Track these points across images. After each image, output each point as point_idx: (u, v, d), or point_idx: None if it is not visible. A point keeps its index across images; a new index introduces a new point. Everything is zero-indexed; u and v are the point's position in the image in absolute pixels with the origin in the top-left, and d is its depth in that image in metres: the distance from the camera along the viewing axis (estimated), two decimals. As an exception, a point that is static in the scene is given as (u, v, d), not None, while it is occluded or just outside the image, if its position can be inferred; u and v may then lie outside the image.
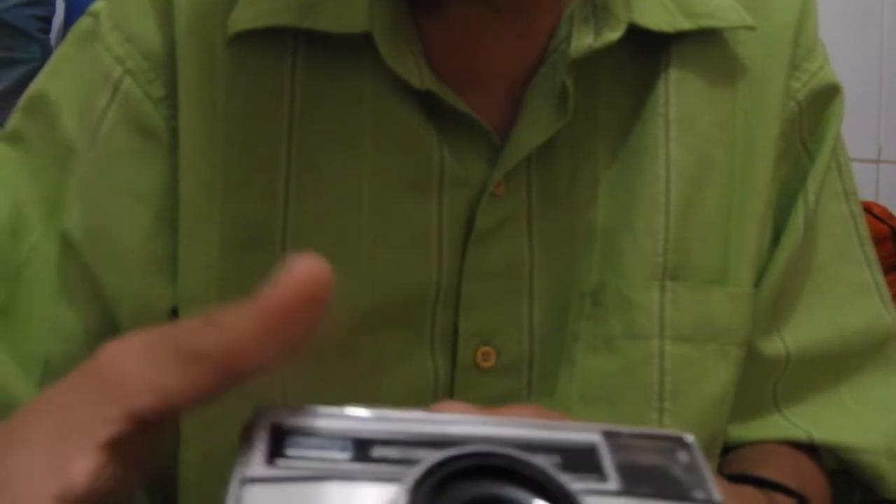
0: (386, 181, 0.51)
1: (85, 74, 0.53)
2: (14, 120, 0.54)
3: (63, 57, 0.55)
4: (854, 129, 2.61)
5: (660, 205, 0.53)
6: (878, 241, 1.91)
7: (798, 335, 0.58)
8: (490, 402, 0.52)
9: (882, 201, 2.08)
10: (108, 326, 0.51)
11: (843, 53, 2.38)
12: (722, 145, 0.54)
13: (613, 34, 0.51)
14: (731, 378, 0.54)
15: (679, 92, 0.54)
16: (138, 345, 0.26)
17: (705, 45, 0.55)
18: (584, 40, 0.50)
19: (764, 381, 0.58)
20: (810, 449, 0.58)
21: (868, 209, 1.96)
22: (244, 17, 0.50)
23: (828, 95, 0.58)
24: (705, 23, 0.54)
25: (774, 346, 0.57)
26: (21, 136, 0.54)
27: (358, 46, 0.50)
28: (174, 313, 0.51)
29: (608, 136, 0.54)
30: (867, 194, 2.15)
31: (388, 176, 0.51)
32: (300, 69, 0.51)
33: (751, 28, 0.55)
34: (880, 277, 0.61)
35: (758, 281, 0.56)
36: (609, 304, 0.52)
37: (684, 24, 0.53)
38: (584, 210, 0.53)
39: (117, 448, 0.26)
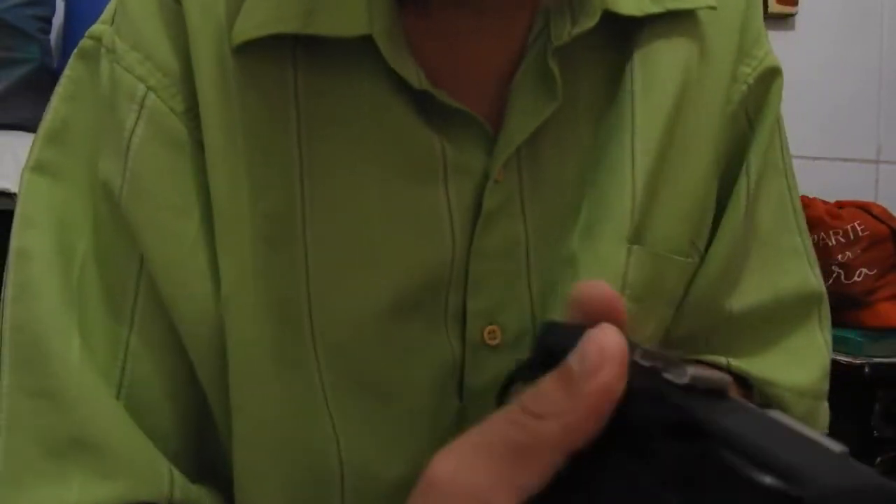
0: (393, 174, 0.53)
1: (105, 98, 0.54)
2: (37, 151, 0.55)
3: (75, 80, 0.56)
4: (854, 129, 2.61)
5: (626, 173, 0.56)
6: (878, 241, 1.91)
7: (742, 299, 0.63)
8: (501, 378, 0.55)
9: (882, 201, 2.08)
10: (168, 332, 0.53)
11: (843, 53, 2.39)
12: (676, 113, 0.58)
13: (590, 21, 0.54)
14: (652, 332, 0.59)
15: (643, 66, 0.57)
16: (472, 456, 0.30)
17: (673, 23, 0.58)
18: (563, 28, 0.54)
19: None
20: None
21: (868, 209, 1.96)
22: (249, 26, 0.52)
23: (771, 77, 0.63)
24: (672, 5, 0.58)
25: (723, 312, 0.63)
26: (47, 166, 0.55)
27: (354, 50, 0.52)
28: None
29: (589, 119, 0.57)
30: (867, 194, 2.15)
31: (395, 169, 0.53)
32: (301, 74, 0.53)
33: (712, 8, 0.59)
34: (809, 243, 0.66)
35: (704, 250, 0.61)
36: (583, 261, 0.55)
37: (652, 8, 0.57)
38: (570, 189, 0.57)
39: None
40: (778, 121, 0.64)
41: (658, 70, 0.57)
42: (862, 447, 1.69)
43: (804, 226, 0.66)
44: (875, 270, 1.91)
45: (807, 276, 0.65)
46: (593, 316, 0.32)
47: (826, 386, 0.66)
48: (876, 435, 1.71)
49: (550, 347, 0.31)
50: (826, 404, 0.67)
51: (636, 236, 0.56)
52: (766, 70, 0.63)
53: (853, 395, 1.78)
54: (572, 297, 0.34)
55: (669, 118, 0.57)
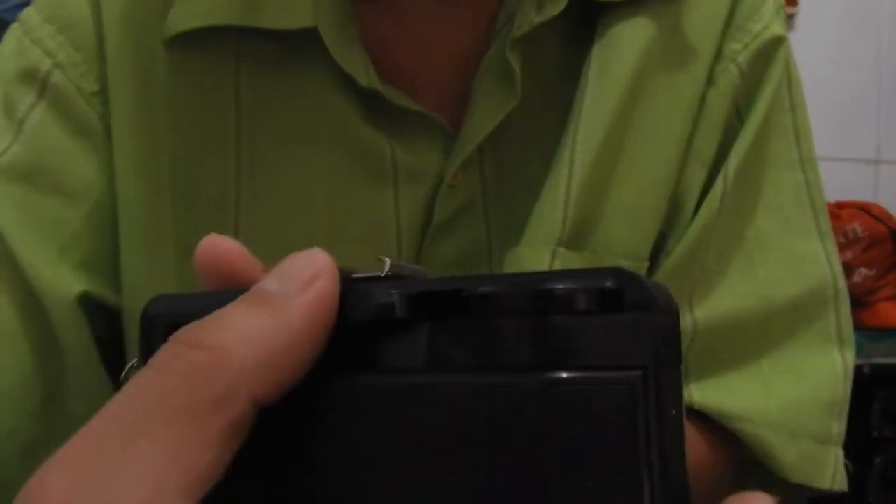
0: (339, 179, 0.50)
1: (7, 71, 0.50)
2: None
3: None
4: (854, 129, 2.61)
5: (564, 170, 0.50)
6: (877, 241, 1.92)
7: (714, 306, 0.53)
8: None
9: (881, 201, 2.08)
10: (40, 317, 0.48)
11: (843, 53, 2.39)
12: (631, 101, 0.52)
13: (556, 7, 0.49)
14: None
15: (600, 51, 0.51)
16: (101, 462, 0.18)
17: (646, 7, 0.52)
18: (527, 17, 0.49)
19: None
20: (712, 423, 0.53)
21: (867, 209, 1.96)
22: (182, 18, 0.48)
23: (770, 51, 0.54)
24: None
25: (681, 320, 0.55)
26: None
27: (302, 43, 0.48)
28: (84, 304, 0.49)
29: (557, 111, 0.52)
30: (866, 194, 2.15)
31: (342, 173, 0.49)
32: (244, 70, 0.49)
33: None
34: (831, 247, 0.57)
35: (656, 254, 0.53)
36: (506, 263, 0.50)
37: None
38: (536, 187, 0.51)
39: None
40: (791, 107, 0.55)
41: (614, 55, 0.51)
42: (861, 447, 1.69)
43: (826, 227, 0.57)
44: (875, 270, 1.91)
45: (821, 284, 0.55)
46: (220, 277, 0.24)
47: (837, 425, 0.54)
48: (875, 435, 1.71)
49: (171, 321, 0.22)
50: (838, 451, 0.54)
51: (572, 239, 0.50)
52: (764, 44, 0.54)
53: (852, 395, 1.77)
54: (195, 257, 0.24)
55: (620, 106, 0.51)
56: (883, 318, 1.88)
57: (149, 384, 0.19)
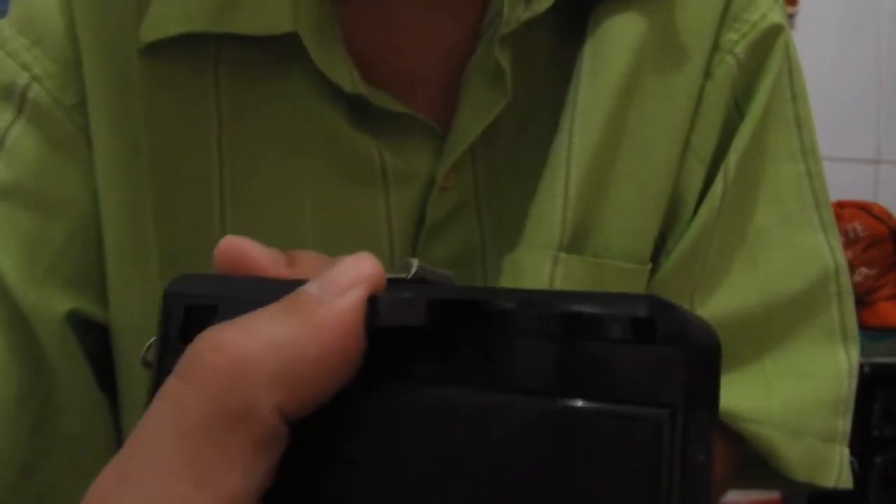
0: (327, 184, 0.49)
1: None
2: None
3: None
4: (854, 129, 2.61)
5: (560, 172, 0.49)
6: (877, 241, 1.92)
7: (717, 305, 0.53)
8: None
9: (881, 201, 2.08)
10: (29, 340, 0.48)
11: (843, 53, 2.40)
12: (626, 98, 0.51)
13: (544, 3, 0.48)
14: None
15: (592, 47, 0.50)
16: (137, 476, 0.18)
17: (637, 1, 0.51)
18: (514, 13, 0.48)
19: None
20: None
21: (867, 209, 1.97)
22: (156, 25, 0.47)
23: (769, 40, 0.53)
24: None
25: None
26: None
27: (283, 47, 0.47)
28: (72, 321, 0.48)
29: (551, 109, 0.51)
30: (866, 194, 2.15)
31: (329, 179, 0.49)
32: (224, 76, 0.48)
33: None
34: (836, 242, 0.55)
35: (656, 255, 0.52)
36: (506, 273, 0.49)
37: None
38: (530, 186, 0.50)
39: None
40: (793, 97, 0.54)
41: (607, 51, 0.50)
42: (862, 447, 1.69)
43: (829, 218, 0.55)
44: (875, 270, 1.91)
45: (822, 278, 0.54)
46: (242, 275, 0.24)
47: (842, 423, 0.54)
48: (876, 434, 1.71)
49: (190, 301, 0.23)
50: (844, 450, 0.54)
51: (572, 243, 0.49)
52: (762, 34, 0.52)
53: (853, 395, 1.78)
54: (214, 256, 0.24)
55: (616, 104, 0.49)
56: (883, 317, 1.88)
57: (170, 394, 0.19)
